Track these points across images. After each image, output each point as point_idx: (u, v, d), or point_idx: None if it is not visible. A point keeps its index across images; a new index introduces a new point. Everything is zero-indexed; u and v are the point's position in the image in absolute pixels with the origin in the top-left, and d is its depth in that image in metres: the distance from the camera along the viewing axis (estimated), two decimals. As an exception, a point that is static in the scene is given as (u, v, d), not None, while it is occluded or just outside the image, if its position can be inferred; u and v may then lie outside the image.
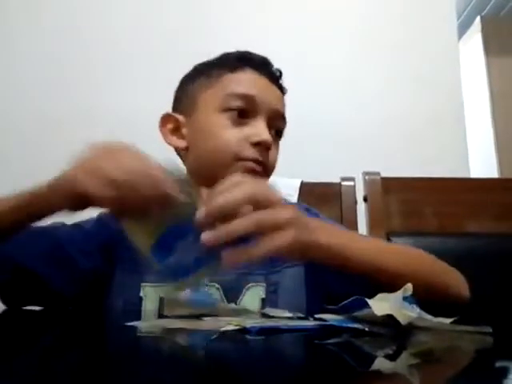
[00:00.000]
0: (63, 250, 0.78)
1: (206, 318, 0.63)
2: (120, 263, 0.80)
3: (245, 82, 0.85)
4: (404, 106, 1.71)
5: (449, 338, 0.53)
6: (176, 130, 0.87)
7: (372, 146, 1.64)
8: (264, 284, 0.78)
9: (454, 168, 1.58)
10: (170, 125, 0.87)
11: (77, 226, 0.82)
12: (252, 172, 0.79)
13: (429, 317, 0.55)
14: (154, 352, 0.46)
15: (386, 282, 0.62)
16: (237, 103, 0.83)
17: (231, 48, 0.90)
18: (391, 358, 0.44)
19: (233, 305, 0.74)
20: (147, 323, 0.66)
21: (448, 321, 0.55)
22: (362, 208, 1.18)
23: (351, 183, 1.18)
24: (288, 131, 0.89)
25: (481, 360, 0.43)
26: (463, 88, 1.79)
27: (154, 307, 0.76)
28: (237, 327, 0.52)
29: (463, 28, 3.54)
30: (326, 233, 0.63)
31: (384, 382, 0.36)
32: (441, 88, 1.73)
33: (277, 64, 0.89)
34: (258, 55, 0.89)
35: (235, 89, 0.84)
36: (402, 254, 0.74)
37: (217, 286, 0.76)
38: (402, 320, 0.52)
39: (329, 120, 1.66)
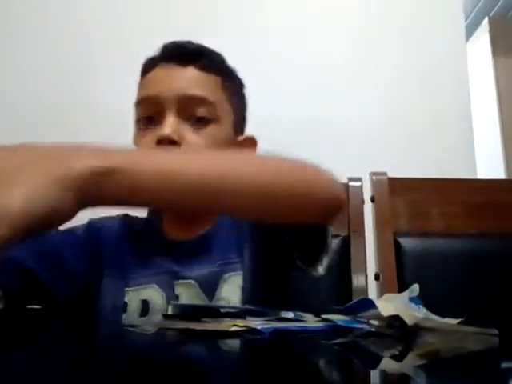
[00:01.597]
0: (57, 252, 0.79)
1: (206, 319, 0.61)
2: (107, 269, 0.80)
3: (145, 84, 0.81)
4: (411, 106, 1.70)
5: (455, 338, 0.53)
6: None
7: (379, 147, 1.64)
8: (241, 272, 0.76)
9: (460, 168, 1.58)
10: None
11: (68, 231, 0.82)
12: None
13: (435, 317, 0.56)
14: (154, 353, 0.46)
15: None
16: (141, 110, 0.78)
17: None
18: (397, 358, 0.44)
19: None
20: (149, 323, 0.66)
21: (454, 322, 0.55)
22: (368, 208, 1.18)
23: (358, 183, 1.18)
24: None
25: (487, 361, 0.43)
26: (470, 88, 1.79)
27: (137, 311, 0.75)
28: (243, 328, 0.52)
29: (471, 29, 3.52)
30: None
31: (390, 383, 0.36)
32: (448, 88, 1.73)
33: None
34: (172, 42, 0.82)
35: (138, 96, 0.80)
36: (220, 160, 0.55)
37: (192, 282, 0.74)
38: (409, 320, 0.52)
39: (335, 120, 1.65)
